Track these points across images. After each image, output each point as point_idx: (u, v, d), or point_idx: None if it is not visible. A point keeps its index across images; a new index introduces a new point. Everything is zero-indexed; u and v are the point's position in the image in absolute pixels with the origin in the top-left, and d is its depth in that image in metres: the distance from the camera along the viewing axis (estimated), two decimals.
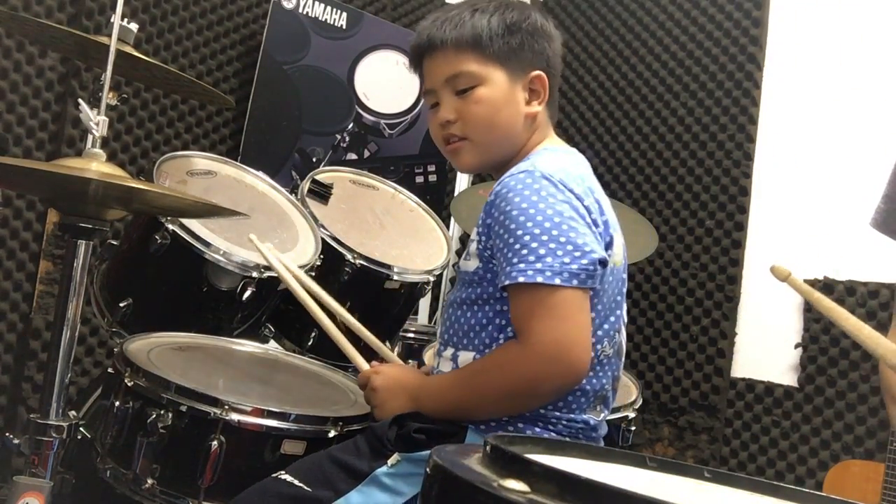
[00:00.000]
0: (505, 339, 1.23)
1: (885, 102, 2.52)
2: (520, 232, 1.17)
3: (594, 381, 1.25)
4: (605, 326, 1.25)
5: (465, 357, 1.26)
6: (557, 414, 1.23)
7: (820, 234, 2.59)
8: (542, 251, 1.15)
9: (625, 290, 1.33)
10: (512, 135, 1.33)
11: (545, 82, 1.33)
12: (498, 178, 1.34)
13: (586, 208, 1.22)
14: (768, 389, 2.63)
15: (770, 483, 0.79)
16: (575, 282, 1.15)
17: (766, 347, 2.68)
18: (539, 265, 1.14)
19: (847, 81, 2.60)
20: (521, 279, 1.15)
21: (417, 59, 1.37)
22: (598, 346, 1.24)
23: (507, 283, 1.17)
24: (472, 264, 1.27)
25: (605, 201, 1.30)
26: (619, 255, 1.28)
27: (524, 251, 1.16)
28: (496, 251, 1.21)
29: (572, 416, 1.23)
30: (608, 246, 1.24)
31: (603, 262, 1.19)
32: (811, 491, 0.79)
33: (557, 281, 1.14)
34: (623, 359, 1.36)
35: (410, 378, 1.33)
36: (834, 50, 2.65)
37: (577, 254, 1.15)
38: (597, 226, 1.23)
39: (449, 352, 1.29)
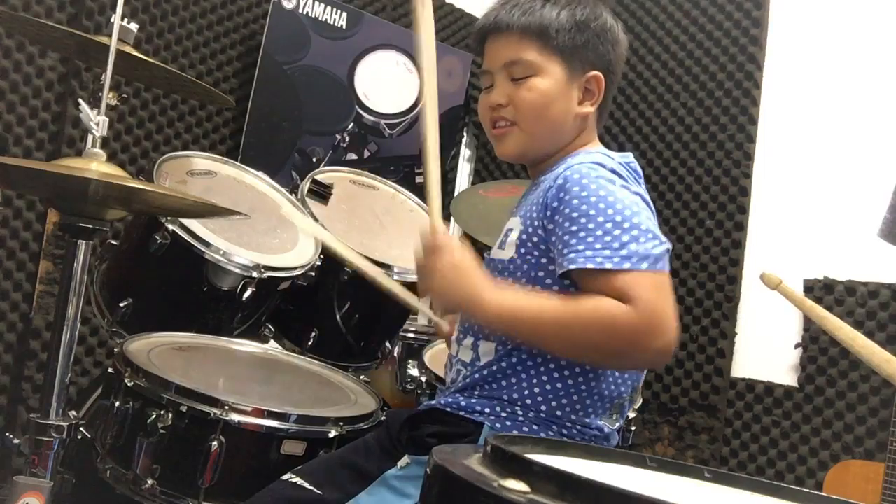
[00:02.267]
0: None
1: (884, 102, 2.52)
2: (601, 218, 1.15)
3: (612, 387, 1.24)
4: None
5: (486, 347, 1.24)
6: (573, 417, 1.21)
7: (820, 234, 2.59)
8: (625, 238, 1.13)
9: None
10: (559, 130, 1.32)
11: (602, 84, 1.32)
12: (534, 173, 1.34)
13: (646, 203, 1.23)
14: (768, 389, 2.63)
15: (770, 483, 0.79)
16: (659, 265, 1.14)
17: (766, 347, 2.68)
18: (624, 252, 1.13)
19: (847, 81, 2.60)
20: (608, 265, 1.12)
21: (481, 39, 1.36)
22: None
23: (590, 266, 1.12)
24: (506, 254, 1.26)
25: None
26: None
27: (607, 238, 1.14)
28: (562, 233, 1.17)
29: (588, 420, 1.22)
30: None
31: (669, 252, 1.19)
32: (811, 491, 0.79)
33: (644, 266, 1.12)
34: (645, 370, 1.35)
35: (484, 275, 1.22)
36: (834, 50, 2.65)
37: (657, 241, 1.15)
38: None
39: (469, 340, 1.28)
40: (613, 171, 1.21)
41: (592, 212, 1.16)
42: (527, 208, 1.26)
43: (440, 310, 1.30)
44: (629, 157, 1.32)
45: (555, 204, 1.20)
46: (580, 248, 1.15)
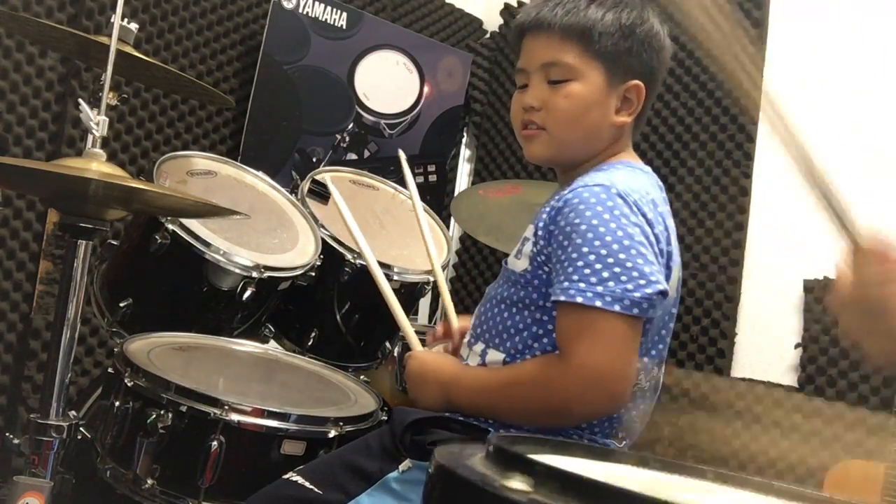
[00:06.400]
0: (540, 348, 1.20)
1: (885, 102, 2.52)
2: (585, 249, 1.12)
3: (622, 411, 1.23)
4: (646, 360, 1.22)
5: (494, 356, 1.24)
6: (579, 432, 1.22)
7: (820, 234, 2.59)
8: (605, 274, 1.10)
9: (672, 324, 1.28)
10: (592, 139, 1.27)
11: (642, 94, 1.27)
12: (564, 179, 1.30)
13: (655, 236, 1.18)
14: (768, 389, 2.63)
15: (771, 483, 0.79)
16: (636, 310, 1.10)
17: (766, 347, 2.68)
18: (600, 288, 1.10)
19: (847, 81, 2.60)
20: (579, 299, 1.10)
21: (519, 35, 1.30)
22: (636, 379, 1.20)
23: (562, 298, 1.12)
24: (521, 265, 1.23)
25: (672, 227, 1.26)
26: (672, 288, 1.23)
27: (587, 270, 1.11)
28: (555, 260, 1.17)
29: (594, 437, 1.22)
30: (666, 278, 1.19)
31: (664, 294, 1.14)
32: (811, 491, 0.79)
33: (617, 308, 1.09)
34: (657, 394, 1.32)
35: (445, 368, 1.28)
36: (834, 50, 2.64)
37: (642, 282, 1.11)
38: (662, 256, 1.19)
39: (479, 347, 1.27)
40: (619, 195, 1.15)
41: (579, 241, 1.13)
42: (542, 220, 1.23)
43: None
44: (648, 169, 1.30)
45: (552, 227, 1.18)
46: (562, 279, 1.14)
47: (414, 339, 1.45)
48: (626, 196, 1.16)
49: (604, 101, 1.25)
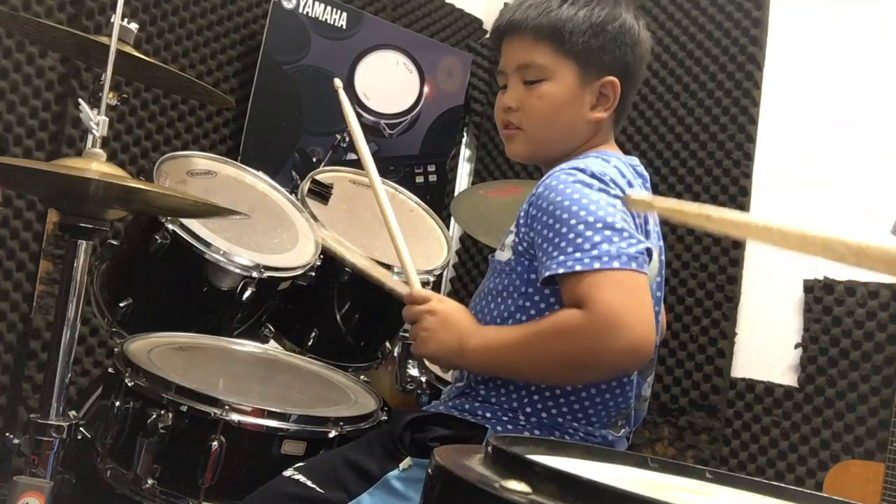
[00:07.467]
0: None
1: (885, 102, 2.52)
2: (573, 221, 1.13)
3: (619, 396, 1.23)
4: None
5: None
6: (575, 425, 1.21)
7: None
8: (597, 238, 1.12)
9: (657, 308, 1.28)
10: (568, 136, 1.30)
11: (617, 90, 1.29)
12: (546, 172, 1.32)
13: (631, 213, 1.19)
14: (768, 389, 2.63)
15: (771, 484, 0.79)
16: (633, 264, 1.12)
17: (766, 347, 2.68)
18: (595, 252, 1.11)
19: (847, 81, 2.60)
20: (577, 267, 1.11)
21: (497, 39, 1.34)
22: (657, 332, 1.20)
23: (560, 271, 1.12)
24: (505, 255, 1.26)
25: (654, 216, 1.28)
26: (653, 271, 1.24)
27: (579, 240, 1.12)
28: (541, 240, 1.17)
29: (590, 428, 1.22)
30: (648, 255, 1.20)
31: (650, 253, 1.16)
32: (812, 492, 0.79)
33: (616, 264, 1.10)
34: (651, 376, 1.33)
35: (467, 321, 1.26)
36: (834, 50, 2.65)
37: (633, 240, 1.13)
38: (640, 231, 1.21)
39: None
40: (593, 176, 1.18)
41: (565, 216, 1.15)
42: (522, 210, 1.26)
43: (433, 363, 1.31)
44: (633, 160, 1.30)
45: (533, 211, 1.20)
46: (554, 254, 1.14)
47: (414, 276, 1.37)
48: (602, 176, 1.19)
49: (577, 98, 1.28)
